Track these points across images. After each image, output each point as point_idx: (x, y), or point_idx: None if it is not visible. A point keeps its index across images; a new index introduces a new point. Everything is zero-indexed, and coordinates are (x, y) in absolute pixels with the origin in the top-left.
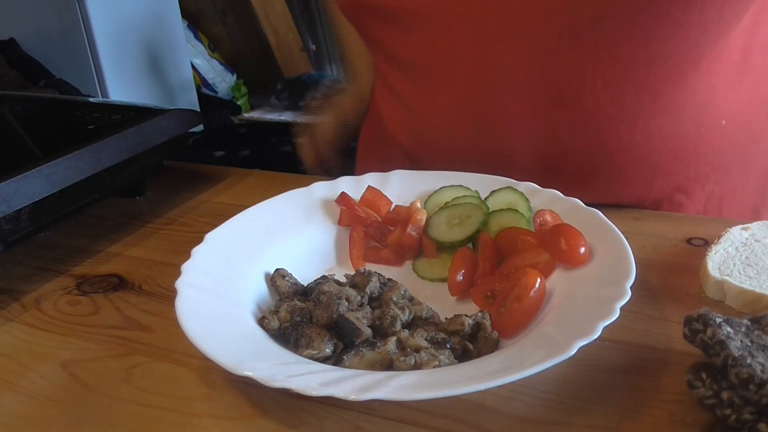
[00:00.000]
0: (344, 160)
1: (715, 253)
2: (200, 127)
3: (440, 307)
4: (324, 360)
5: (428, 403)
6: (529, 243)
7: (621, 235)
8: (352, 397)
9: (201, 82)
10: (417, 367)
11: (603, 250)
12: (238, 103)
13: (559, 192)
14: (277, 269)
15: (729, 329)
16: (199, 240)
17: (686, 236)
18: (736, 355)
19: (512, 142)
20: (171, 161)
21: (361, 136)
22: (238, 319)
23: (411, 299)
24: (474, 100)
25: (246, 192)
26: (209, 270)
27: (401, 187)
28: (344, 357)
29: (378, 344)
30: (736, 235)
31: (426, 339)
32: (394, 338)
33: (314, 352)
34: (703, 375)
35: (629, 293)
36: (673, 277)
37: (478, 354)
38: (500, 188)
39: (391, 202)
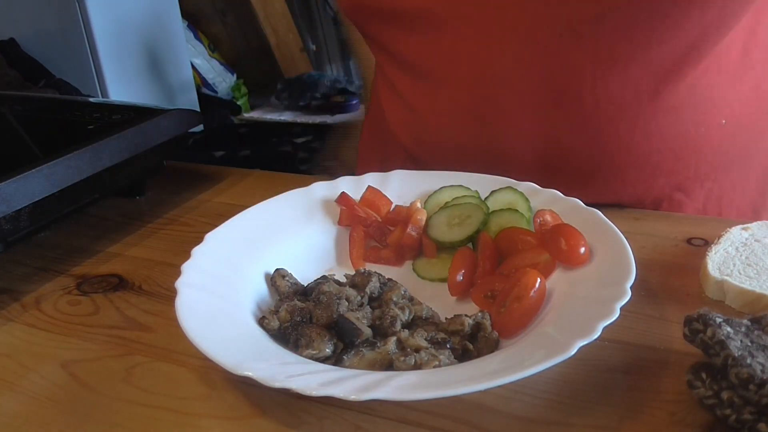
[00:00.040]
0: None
1: (715, 253)
2: (200, 127)
3: (440, 307)
4: (324, 360)
5: (428, 403)
6: (529, 243)
7: (621, 235)
8: (352, 397)
9: (201, 82)
10: (417, 367)
11: (603, 250)
12: (238, 103)
13: (559, 192)
14: (277, 269)
15: (729, 329)
16: (199, 240)
17: (686, 236)
18: (736, 355)
19: (512, 142)
20: (171, 161)
21: (362, 135)
22: (238, 319)
23: (411, 299)
24: (474, 99)
25: (246, 192)
26: (209, 270)
27: (401, 187)
28: (344, 357)
29: (378, 344)
30: (736, 235)
31: (426, 339)
32: (394, 338)
33: (314, 352)
34: (703, 375)
35: (629, 293)
36: (673, 277)
37: (478, 354)
38: (500, 188)
39: (391, 202)
